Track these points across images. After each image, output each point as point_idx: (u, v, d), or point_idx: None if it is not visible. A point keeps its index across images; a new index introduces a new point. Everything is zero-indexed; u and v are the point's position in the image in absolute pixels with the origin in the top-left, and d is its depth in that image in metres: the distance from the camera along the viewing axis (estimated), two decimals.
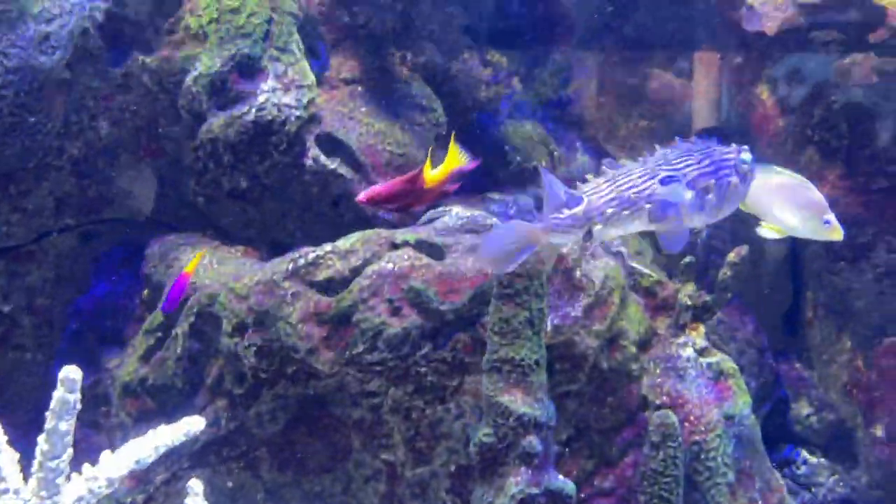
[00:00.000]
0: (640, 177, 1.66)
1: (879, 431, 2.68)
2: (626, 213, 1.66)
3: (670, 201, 1.65)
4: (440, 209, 2.55)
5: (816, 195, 2.05)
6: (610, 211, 1.66)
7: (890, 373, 2.66)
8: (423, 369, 2.27)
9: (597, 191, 1.68)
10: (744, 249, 2.50)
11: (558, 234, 1.70)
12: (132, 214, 2.82)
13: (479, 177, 3.01)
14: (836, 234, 2.05)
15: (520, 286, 2.03)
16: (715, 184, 1.66)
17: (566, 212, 1.67)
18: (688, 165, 1.67)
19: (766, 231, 2.13)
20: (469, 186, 2.94)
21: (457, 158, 2.09)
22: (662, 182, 1.65)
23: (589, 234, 1.71)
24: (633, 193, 1.65)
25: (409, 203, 2.10)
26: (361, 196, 2.08)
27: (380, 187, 2.11)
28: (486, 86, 3.23)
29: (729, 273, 2.52)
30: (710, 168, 1.67)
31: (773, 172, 2.07)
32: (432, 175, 2.07)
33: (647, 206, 1.66)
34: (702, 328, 2.50)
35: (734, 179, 1.67)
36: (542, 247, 1.73)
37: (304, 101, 2.48)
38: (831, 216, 2.04)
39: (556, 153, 3.09)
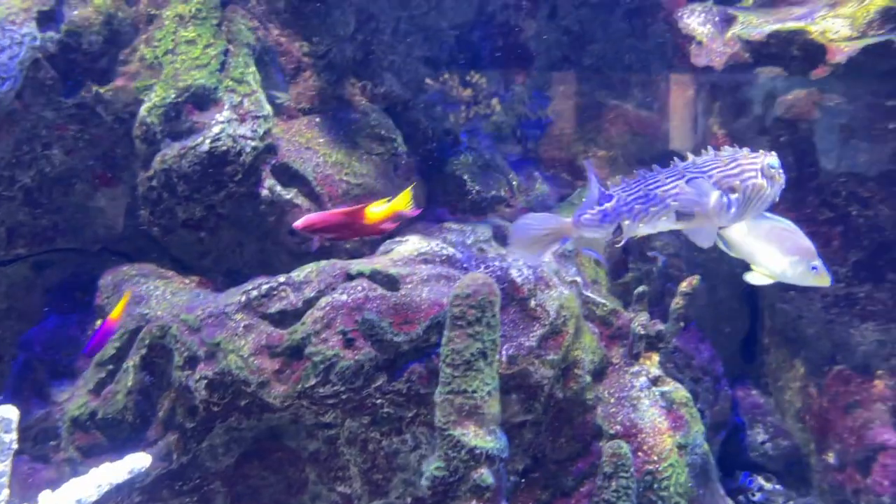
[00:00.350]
0: (668, 178, 1.78)
1: (831, 458, 2.71)
2: (653, 209, 1.77)
3: (695, 199, 1.74)
4: (397, 239, 2.55)
5: (805, 241, 2.09)
6: (638, 207, 1.77)
7: (839, 400, 2.70)
8: (378, 401, 2.26)
9: (627, 189, 1.80)
10: (695, 279, 2.54)
11: (589, 229, 1.83)
12: (86, 244, 2.78)
13: (438, 206, 3.04)
14: (824, 280, 2.09)
15: (472, 317, 2.04)
16: (740, 184, 1.74)
17: (597, 208, 1.81)
18: (714, 168, 1.76)
19: (756, 277, 2.17)
20: (427, 216, 2.96)
21: (404, 204, 2.12)
22: (689, 183, 1.75)
23: (619, 230, 1.82)
24: (661, 192, 1.76)
25: (347, 235, 2.12)
26: (299, 222, 2.09)
27: (319, 215, 2.13)
28: (467, 106, 3.27)
29: (681, 302, 2.55)
30: (735, 170, 1.75)
31: (763, 218, 2.13)
32: (374, 213, 2.10)
33: (674, 203, 1.75)
34: (655, 357, 2.53)
35: (759, 181, 1.75)
36: (575, 239, 1.87)
37: (260, 131, 2.48)
38: (819, 262, 2.08)
39: (514, 182, 3.11)
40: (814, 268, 2.08)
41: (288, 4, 2.87)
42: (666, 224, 1.80)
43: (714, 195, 1.74)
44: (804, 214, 2.55)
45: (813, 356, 2.82)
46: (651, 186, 1.78)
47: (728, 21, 2.54)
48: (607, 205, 1.80)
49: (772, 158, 1.76)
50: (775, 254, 2.10)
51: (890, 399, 2.59)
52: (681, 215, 1.77)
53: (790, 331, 2.91)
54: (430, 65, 3.20)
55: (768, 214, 2.13)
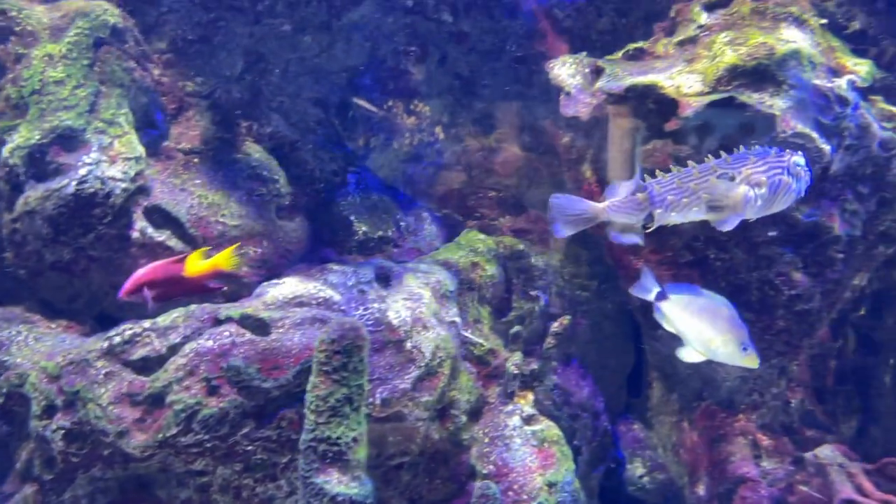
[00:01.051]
0: (700, 172, 1.93)
1: (701, 490, 2.81)
2: (685, 200, 1.92)
3: (725, 193, 1.89)
4: (273, 281, 2.54)
5: (737, 321, 2.18)
6: (671, 198, 1.93)
7: (706, 434, 2.81)
8: (248, 448, 2.23)
9: (661, 182, 1.96)
10: (566, 319, 2.63)
11: (620, 214, 2.00)
12: None
13: (325, 246, 3.05)
14: (753, 361, 2.19)
15: (338, 363, 2.04)
16: (766, 180, 1.89)
17: (629, 196, 1.98)
18: (744, 165, 1.92)
19: (688, 353, 2.25)
20: (312, 257, 2.97)
21: (227, 261, 2.13)
22: (719, 178, 1.91)
23: (650, 217, 1.97)
24: (693, 184, 1.91)
25: (171, 290, 2.11)
26: (125, 287, 2.09)
27: (142, 270, 2.13)
28: (411, 133, 3.31)
29: (553, 342, 2.63)
30: (762, 167, 1.91)
31: (700, 295, 2.22)
32: (196, 265, 2.10)
33: (705, 196, 1.90)
34: (530, 396, 2.59)
35: (785, 178, 1.91)
36: (609, 224, 2.05)
37: (131, 173, 2.44)
38: (749, 343, 2.17)
39: (403, 223, 3.15)
40: (744, 348, 2.18)
41: (171, 45, 2.86)
42: (696, 214, 1.96)
43: (742, 189, 1.89)
44: (667, 257, 2.67)
45: (685, 392, 2.94)
46: (684, 180, 1.93)
47: (597, 73, 2.67)
48: (640, 194, 1.96)
49: (797, 158, 1.92)
50: (708, 331, 2.19)
51: (751, 433, 2.72)
52: (711, 207, 1.93)
53: (666, 367, 3.02)
54: (320, 106, 3.23)
55: (706, 291, 2.24)
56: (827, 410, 2.89)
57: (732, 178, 1.91)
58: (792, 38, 2.46)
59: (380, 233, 3.06)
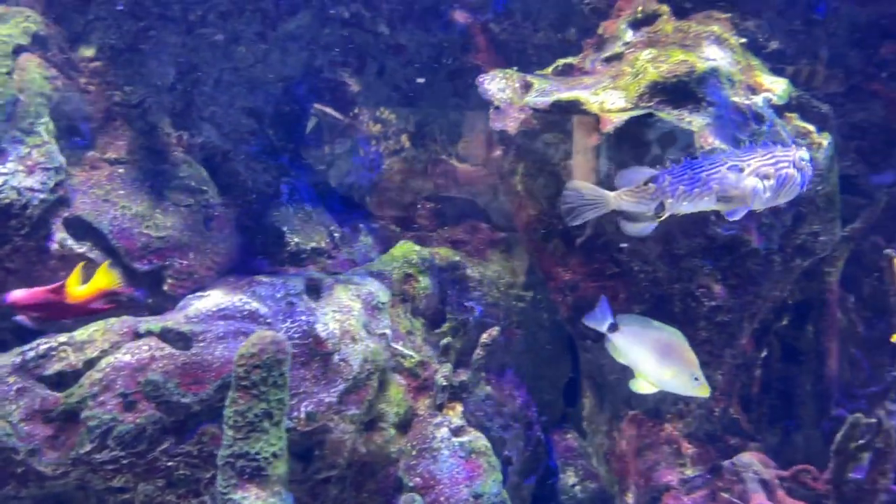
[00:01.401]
0: (710, 164, 2.02)
1: (630, 498, 2.86)
2: (696, 191, 2.02)
3: (734, 184, 1.98)
4: (198, 294, 2.51)
5: (688, 353, 2.24)
6: (682, 188, 2.02)
7: (633, 442, 2.85)
8: (169, 463, 2.20)
9: (672, 172, 2.05)
10: (494, 330, 2.65)
11: (630, 203, 2.09)
12: None
13: (257, 258, 3.02)
14: (704, 391, 2.26)
15: (257, 377, 2.02)
16: (774, 173, 1.99)
17: (642, 186, 2.06)
18: (752, 158, 2.01)
19: (640, 384, 2.28)
20: (243, 268, 2.94)
21: (106, 279, 2.12)
22: (729, 169, 2.00)
23: (661, 207, 2.06)
24: (705, 176, 2.01)
25: (55, 315, 2.09)
26: (7, 300, 2.07)
27: (20, 294, 2.11)
28: (376, 141, 3.29)
29: (481, 353, 2.65)
30: (770, 161, 2.00)
31: (651, 327, 2.27)
32: (78, 291, 2.09)
33: (716, 187, 2.00)
34: (459, 407, 2.60)
35: (792, 171, 2.00)
36: (619, 211, 2.11)
37: (51, 183, 2.39)
38: (700, 374, 2.24)
39: (337, 234, 3.14)
40: (696, 379, 2.24)
41: (100, 53, 2.81)
42: (707, 204, 2.04)
43: (751, 181, 1.98)
44: (594, 269, 2.72)
45: (615, 401, 2.98)
46: (696, 171, 2.03)
47: (526, 88, 2.70)
48: (652, 185, 2.06)
49: (802, 152, 2.03)
50: (659, 363, 2.24)
51: (676, 441, 2.77)
52: (721, 197, 2.01)
53: (597, 376, 3.07)
54: (253, 116, 3.20)
55: (657, 323, 2.29)
56: (752, 419, 2.96)
57: (741, 170, 2.01)
58: (712, 57, 2.53)
59: (313, 244, 3.04)
